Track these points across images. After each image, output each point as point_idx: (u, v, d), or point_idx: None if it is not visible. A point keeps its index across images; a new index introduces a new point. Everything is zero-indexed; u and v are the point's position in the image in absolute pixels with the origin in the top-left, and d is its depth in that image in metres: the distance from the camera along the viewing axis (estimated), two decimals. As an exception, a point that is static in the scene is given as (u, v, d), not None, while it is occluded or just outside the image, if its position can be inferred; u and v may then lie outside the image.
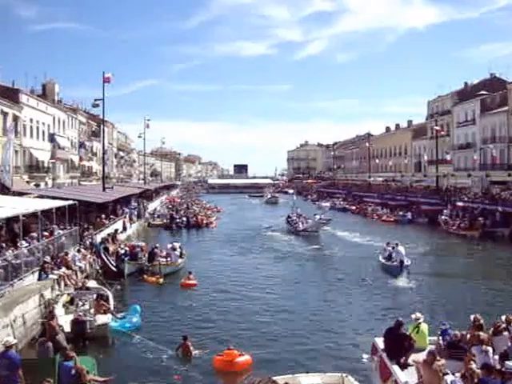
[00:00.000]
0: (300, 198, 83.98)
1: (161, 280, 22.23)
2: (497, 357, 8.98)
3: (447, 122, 61.70)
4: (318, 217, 39.63)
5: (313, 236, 38.35)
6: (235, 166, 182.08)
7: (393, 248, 25.52)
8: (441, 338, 10.46)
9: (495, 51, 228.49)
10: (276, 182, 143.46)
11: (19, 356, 9.99)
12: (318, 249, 33.22)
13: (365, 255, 29.32)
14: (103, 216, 31.45)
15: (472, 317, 10.78)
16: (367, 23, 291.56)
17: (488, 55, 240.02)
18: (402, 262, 23.78)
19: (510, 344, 9.24)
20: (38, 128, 44.52)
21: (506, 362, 8.15)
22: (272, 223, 47.57)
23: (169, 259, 24.70)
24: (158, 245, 26.95)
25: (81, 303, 15.84)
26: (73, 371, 9.95)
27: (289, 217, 44.84)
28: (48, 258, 17.92)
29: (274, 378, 10.40)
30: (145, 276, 22.94)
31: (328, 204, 48.64)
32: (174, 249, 25.82)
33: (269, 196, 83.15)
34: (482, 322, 10.45)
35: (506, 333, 9.92)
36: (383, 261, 25.50)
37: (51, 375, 9.82)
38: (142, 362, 12.85)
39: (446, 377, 8.74)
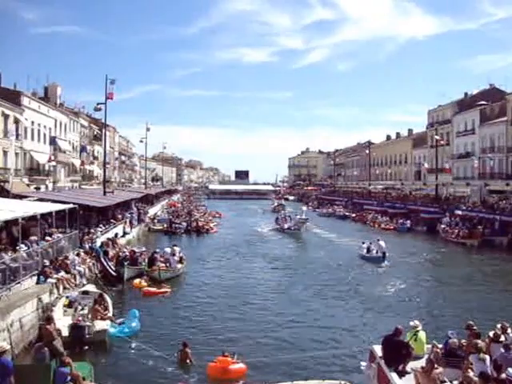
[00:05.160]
0: (301, 205, 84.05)
1: (144, 284, 22.14)
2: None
3: (447, 132, 61.91)
4: (298, 217, 46.97)
5: (298, 235, 43.61)
6: (236, 171, 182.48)
7: (370, 243, 30.75)
8: (442, 345, 10.39)
9: (493, 62, 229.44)
10: (277, 188, 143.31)
11: (12, 362, 9.79)
12: (316, 256, 33.10)
13: (362, 262, 29.36)
14: (102, 219, 31.45)
15: (467, 324, 10.76)
16: (367, 32, 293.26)
17: (486, 66, 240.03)
18: (384, 253, 28.68)
19: (503, 351, 9.20)
20: (39, 131, 44.61)
21: (509, 369, 8.12)
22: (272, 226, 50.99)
23: (168, 264, 24.65)
24: (158, 250, 26.91)
25: (80, 307, 15.74)
26: (68, 377, 9.80)
27: (277, 218, 52.69)
28: (47, 262, 17.88)
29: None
30: (135, 281, 22.64)
31: (305, 208, 57.45)
32: (173, 254, 25.80)
33: (275, 204, 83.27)
34: (475, 328, 10.42)
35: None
36: (363, 253, 30.50)
37: (47, 381, 9.71)
38: (139, 368, 12.77)
39: (443, 385, 8.72)
